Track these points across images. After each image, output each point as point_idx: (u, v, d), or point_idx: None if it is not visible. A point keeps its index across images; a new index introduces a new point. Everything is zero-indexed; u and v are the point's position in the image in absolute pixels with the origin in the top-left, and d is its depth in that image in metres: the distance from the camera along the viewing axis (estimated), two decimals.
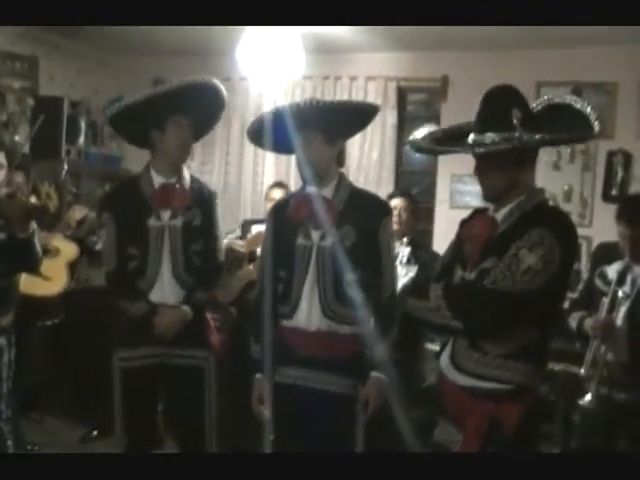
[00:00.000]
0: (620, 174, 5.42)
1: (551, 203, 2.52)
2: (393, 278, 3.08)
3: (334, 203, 2.98)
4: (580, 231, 5.02)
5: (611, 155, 5.46)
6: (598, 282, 3.56)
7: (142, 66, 6.74)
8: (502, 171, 2.45)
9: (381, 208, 3.09)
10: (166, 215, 3.33)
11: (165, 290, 3.31)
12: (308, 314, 2.93)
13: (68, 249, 4.63)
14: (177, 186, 3.36)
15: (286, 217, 3.04)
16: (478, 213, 2.60)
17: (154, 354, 3.30)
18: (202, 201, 3.41)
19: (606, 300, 3.42)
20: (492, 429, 2.40)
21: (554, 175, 5.57)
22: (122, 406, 3.33)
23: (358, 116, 3.07)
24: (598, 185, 5.48)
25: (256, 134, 3.11)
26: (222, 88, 3.44)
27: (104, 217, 3.40)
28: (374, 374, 2.93)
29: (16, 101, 5.95)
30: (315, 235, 2.96)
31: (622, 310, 3.43)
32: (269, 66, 5.03)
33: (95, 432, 4.93)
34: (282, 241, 3.03)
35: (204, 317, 3.45)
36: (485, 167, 2.48)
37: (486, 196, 2.54)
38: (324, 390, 2.92)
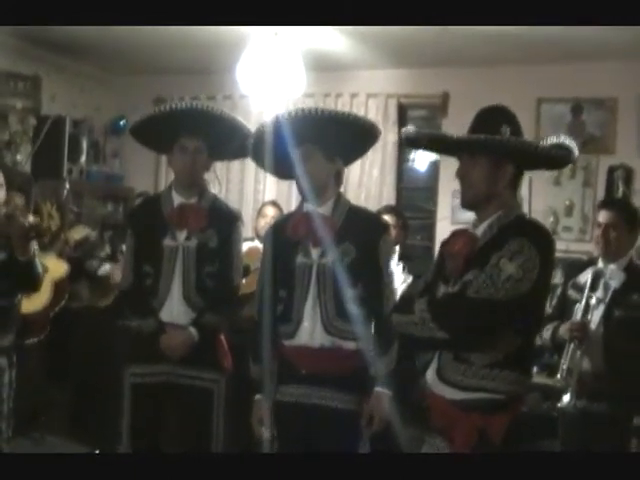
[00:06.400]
0: (621, 189, 5.42)
1: (529, 217, 2.64)
2: (393, 293, 3.08)
3: (332, 220, 2.99)
4: (581, 246, 5.16)
5: (612, 170, 5.46)
6: (571, 293, 3.65)
7: (144, 85, 6.79)
8: (484, 177, 2.50)
9: (379, 225, 3.14)
10: (182, 235, 3.35)
11: (174, 310, 3.32)
12: (311, 331, 2.93)
13: (56, 268, 4.58)
14: (195, 207, 3.38)
15: (285, 236, 3.05)
16: (458, 232, 2.65)
17: (164, 372, 3.31)
18: (221, 223, 3.41)
19: (580, 306, 3.50)
20: (480, 440, 2.42)
21: (555, 191, 5.57)
22: (131, 422, 3.34)
23: (355, 131, 3.06)
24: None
25: (256, 149, 3.13)
26: (228, 115, 3.44)
27: (127, 233, 3.50)
28: (378, 389, 2.94)
29: (18, 120, 5.95)
30: (315, 253, 2.97)
31: (596, 315, 3.50)
32: (270, 84, 5.05)
33: (97, 451, 4.92)
34: (281, 261, 3.04)
35: (216, 339, 3.42)
36: (468, 170, 2.53)
37: (464, 201, 2.58)
38: (328, 406, 2.92)
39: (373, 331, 3.02)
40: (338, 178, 3.09)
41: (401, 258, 4.60)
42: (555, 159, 2.56)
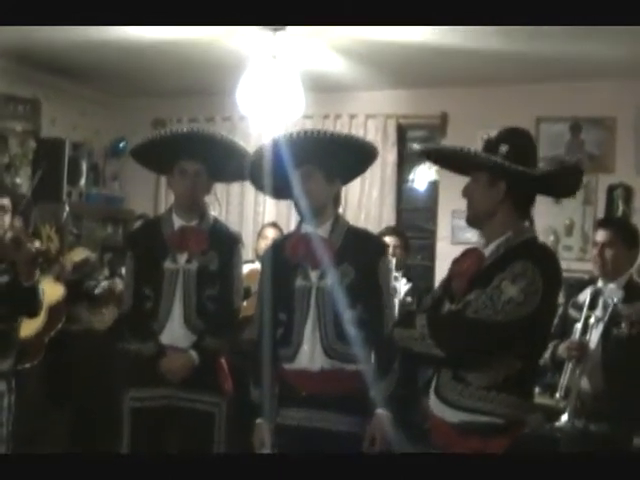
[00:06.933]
0: (621, 208, 5.42)
1: (540, 241, 2.59)
2: (393, 314, 3.07)
3: (331, 242, 2.98)
4: (582, 265, 5.14)
5: (612, 189, 5.47)
6: (572, 312, 3.64)
7: (143, 107, 6.81)
8: (480, 195, 2.52)
9: (378, 245, 3.14)
10: (182, 258, 3.33)
11: (175, 333, 3.29)
12: (311, 355, 2.92)
13: (53, 292, 4.49)
14: (195, 229, 3.36)
15: (283, 256, 3.04)
16: (468, 251, 2.65)
17: (164, 395, 3.28)
18: (221, 245, 3.39)
19: (579, 325, 3.49)
20: None
21: (555, 210, 5.55)
22: (131, 446, 3.30)
23: (356, 153, 3.07)
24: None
25: (256, 171, 3.12)
26: (227, 138, 3.44)
27: (126, 256, 3.48)
28: (379, 411, 2.91)
29: (18, 144, 5.96)
30: (313, 275, 2.96)
31: (595, 334, 3.47)
32: (269, 106, 5.06)
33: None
34: (280, 283, 3.03)
35: (216, 362, 3.40)
36: (469, 187, 2.56)
37: (467, 218, 2.60)
38: (329, 429, 2.90)
39: (373, 353, 3.01)
40: (337, 199, 3.10)
41: (405, 276, 4.73)
42: (548, 186, 2.56)
